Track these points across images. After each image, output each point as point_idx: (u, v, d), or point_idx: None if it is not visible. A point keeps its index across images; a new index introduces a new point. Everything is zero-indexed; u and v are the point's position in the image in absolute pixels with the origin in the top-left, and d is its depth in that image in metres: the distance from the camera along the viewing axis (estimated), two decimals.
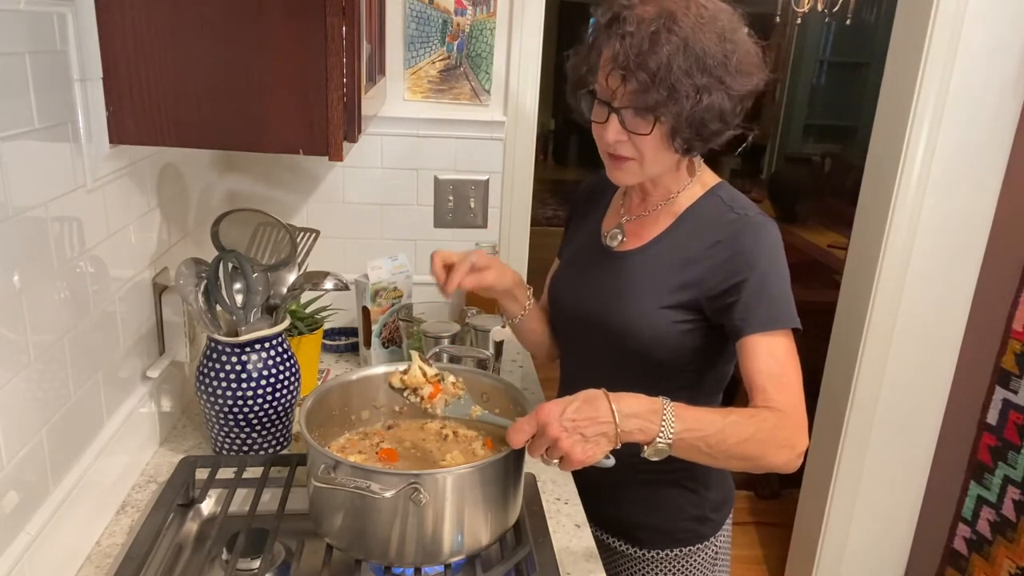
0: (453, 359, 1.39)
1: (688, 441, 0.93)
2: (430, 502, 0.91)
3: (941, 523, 2.22)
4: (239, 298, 1.22)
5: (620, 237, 1.22)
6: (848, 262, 2.21)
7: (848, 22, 3.75)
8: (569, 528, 1.17)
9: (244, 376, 1.20)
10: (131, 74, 1.01)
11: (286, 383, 1.25)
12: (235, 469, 1.18)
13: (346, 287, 1.34)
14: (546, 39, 1.74)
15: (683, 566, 1.28)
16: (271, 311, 1.27)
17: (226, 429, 1.24)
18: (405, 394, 1.06)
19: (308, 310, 1.56)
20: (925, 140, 1.93)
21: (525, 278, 1.88)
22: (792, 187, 3.99)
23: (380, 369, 1.16)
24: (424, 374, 1.06)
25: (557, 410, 0.90)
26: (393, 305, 1.63)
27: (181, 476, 1.16)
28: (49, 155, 0.92)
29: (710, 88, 1.02)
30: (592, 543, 1.14)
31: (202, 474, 1.18)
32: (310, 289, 1.31)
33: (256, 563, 0.99)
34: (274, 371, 1.23)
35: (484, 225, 1.84)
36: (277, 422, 1.27)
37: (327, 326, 1.65)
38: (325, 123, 1.04)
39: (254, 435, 1.25)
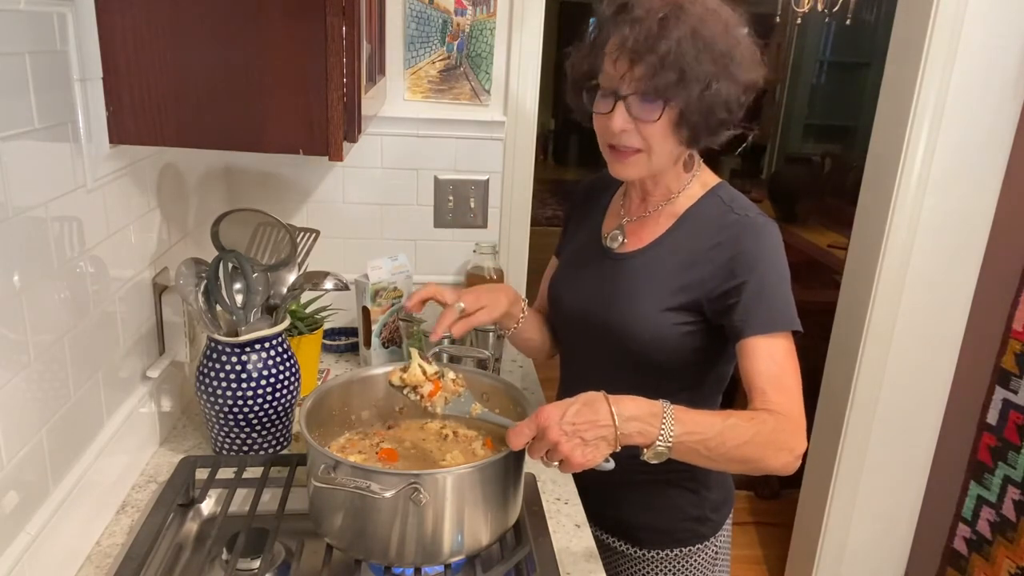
0: (453, 359, 1.39)
1: (687, 444, 0.93)
2: (430, 502, 0.91)
3: (941, 523, 2.22)
4: (239, 298, 1.22)
5: (620, 239, 1.22)
6: (848, 262, 2.21)
7: (848, 22, 3.75)
8: (569, 528, 1.17)
9: (244, 376, 1.20)
10: (131, 74, 1.01)
11: (286, 383, 1.25)
12: (235, 469, 1.18)
13: (346, 287, 1.34)
14: (546, 39, 1.74)
15: (683, 566, 1.28)
16: (271, 311, 1.27)
17: (226, 429, 1.24)
18: (405, 392, 1.06)
19: (308, 310, 1.56)
20: (925, 140, 1.93)
21: (525, 278, 1.89)
22: (792, 187, 3.99)
23: (380, 369, 1.16)
24: (424, 372, 1.06)
25: (557, 413, 0.90)
26: (393, 305, 1.63)
27: (181, 476, 1.16)
28: (49, 155, 0.92)
29: (717, 75, 1.03)
30: (592, 543, 1.14)
31: (202, 474, 1.18)
32: (310, 289, 1.31)
33: (256, 563, 0.99)
34: (274, 371, 1.23)
35: (484, 225, 1.84)
36: (277, 422, 1.27)
37: (327, 326, 1.65)
38: (325, 123, 1.04)
39: (254, 435, 1.25)
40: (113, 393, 1.12)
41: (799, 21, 4.72)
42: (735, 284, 1.07)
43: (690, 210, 1.17)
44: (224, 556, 1.02)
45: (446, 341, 1.50)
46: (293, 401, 1.28)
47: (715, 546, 1.30)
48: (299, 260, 1.31)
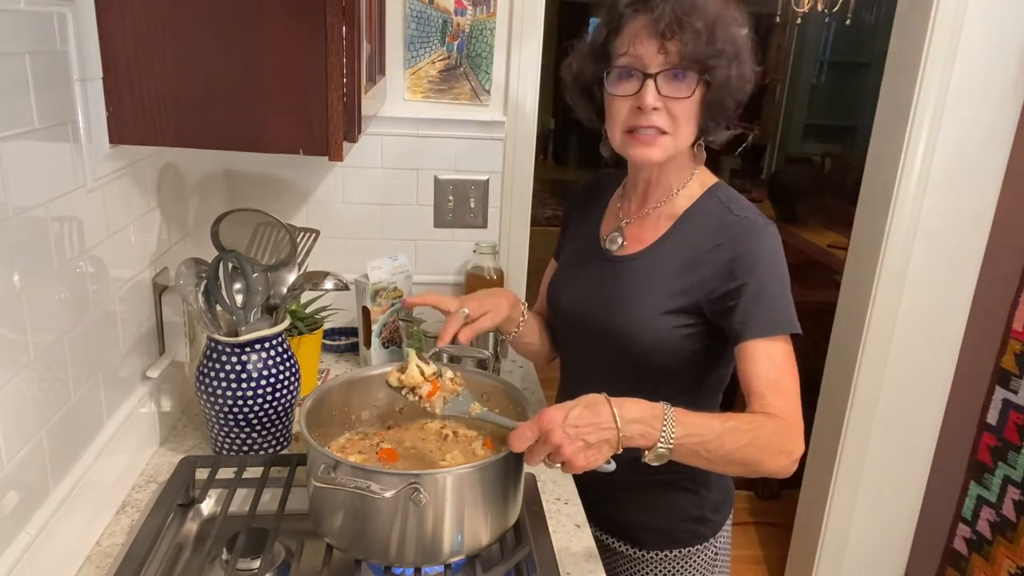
0: (453, 359, 1.38)
1: (688, 446, 0.94)
2: (430, 502, 0.91)
3: (941, 523, 2.22)
4: (239, 298, 1.22)
5: (620, 241, 1.22)
6: (848, 262, 2.21)
7: (848, 22, 3.75)
8: (569, 528, 1.17)
9: (244, 376, 1.20)
10: (131, 74, 1.01)
11: (286, 383, 1.25)
12: (235, 469, 1.18)
13: (346, 287, 1.34)
14: (546, 39, 1.74)
15: (683, 567, 1.28)
16: (271, 311, 1.27)
17: (226, 429, 1.24)
18: (404, 392, 1.05)
19: (308, 310, 1.56)
20: (925, 140, 1.93)
21: (525, 278, 1.89)
22: (792, 187, 3.99)
23: (380, 369, 1.16)
24: (422, 372, 1.05)
25: (560, 416, 0.90)
26: (393, 305, 1.63)
27: (181, 476, 1.16)
28: (49, 155, 0.92)
29: (740, 59, 1.08)
30: (592, 543, 1.14)
31: (202, 474, 1.18)
32: (310, 289, 1.31)
33: (256, 563, 0.99)
34: (274, 371, 1.23)
35: (484, 225, 1.84)
36: (277, 422, 1.27)
37: (327, 326, 1.65)
38: (325, 123, 1.04)
39: (254, 435, 1.25)
40: (113, 393, 1.12)
41: (799, 21, 4.72)
42: (734, 286, 1.07)
43: (689, 211, 1.17)
44: (224, 556, 1.02)
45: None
46: (293, 401, 1.28)
47: (715, 547, 1.30)
48: (299, 260, 1.31)
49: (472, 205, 1.81)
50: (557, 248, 1.40)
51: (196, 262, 1.22)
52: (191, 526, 1.14)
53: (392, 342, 1.65)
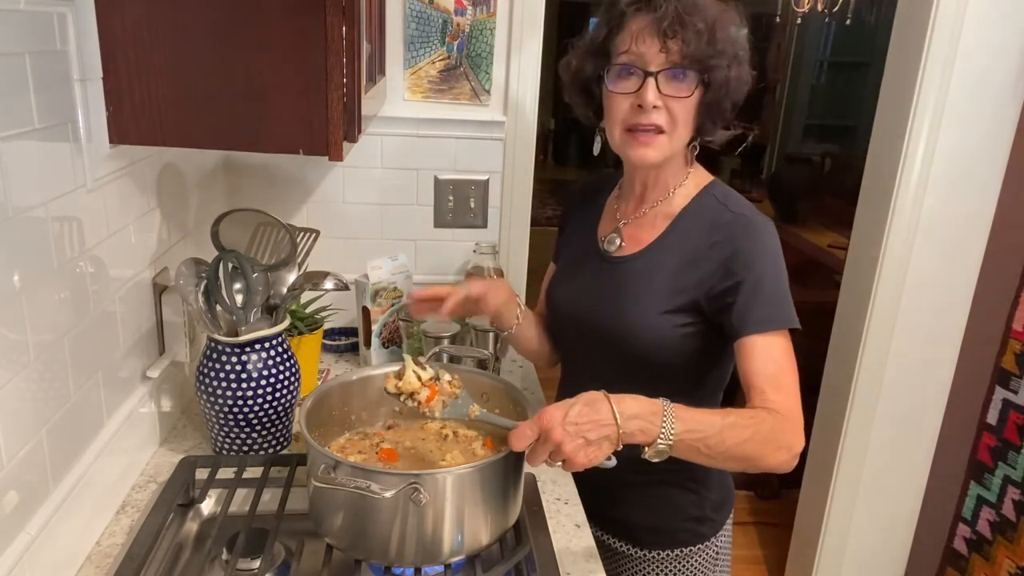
0: (453, 359, 1.39)
1: (688, 442, 0.93)
2: (430, 502, 0.91)
3: (941, 523, 2.22)
4: (239, 298, 1.22)
5: (618, 242, 1.22)
6: (848, 262, 2.21)
7: (848, 22, 3.75)
8: (569, 528, 1.17)
9: (244, 376, 1.20)
10: (131, 74, 1.01)
11: (286, 383, 1.25)
12: (235, 469, 1.18)
13: (346, 287, 1.34)
14: (546, 39, 1.74)
15: (683, 566, 1.28)
16: (271, 311, 1.27)
17: (226, 429, 1.24)
18: (402, 399, 1.04)
19: (308, 310, 1.56)
20: (925, 140, 1.93)
21: (525, 278, 1.89)
22: (792, 187, 3.99)
23: (380, 369, 1.16)
24: (419, 377, 1.04)
25: (559, 414, 0.90)
26: (393, 305, 1.63)
27: (181, 476, 1.16)
28: (49, 155, 0.92)
29: (738, 60, 1.09)
30: (592, 543, 1.14)
31: (202, 474, 1.17)
32: (310, 289, 1.31)
33: (256, 563, 0.99)
34: (274, 371, 1.23)
35: (484, 225, 1.84)
36: (277, 422, 1.27)
37: (327, 326, 1.65)
38: (325, 123, 1.04)
39: (254, 435, 1.25)
40: (113, 393, 1.12)
41: (799, 21, 4.72)
42: (732, 283, 1.07)
43: (686, 210, 1.17)
44: (224, 556, 1.02)
45: (446, 342, 1.50)
46: (293, 401, 1.28)
47: (715, 546, 1.30)
48: (299, 260, 1.31)
49: (472, 205, 1.81)
50: (555, 251, 1.40)
51: (196, 262, 1.22)
52: (191, 526, 1.14)
53: (392, 342, 1.65)
